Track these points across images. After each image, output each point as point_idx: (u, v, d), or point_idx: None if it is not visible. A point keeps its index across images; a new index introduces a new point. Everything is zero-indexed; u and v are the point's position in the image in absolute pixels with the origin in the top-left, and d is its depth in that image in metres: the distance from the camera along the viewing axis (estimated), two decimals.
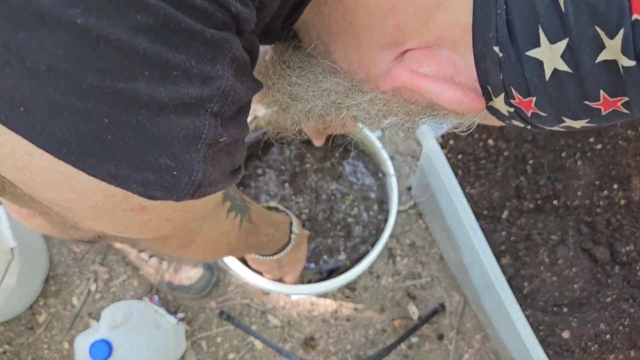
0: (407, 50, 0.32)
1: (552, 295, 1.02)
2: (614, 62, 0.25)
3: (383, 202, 0.82)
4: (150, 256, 1.06)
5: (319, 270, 0.84)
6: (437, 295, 1.16)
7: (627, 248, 1.05)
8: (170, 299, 1.15)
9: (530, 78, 0.28)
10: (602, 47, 0.25)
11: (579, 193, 1.09)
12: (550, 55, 0.26)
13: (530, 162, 1.09)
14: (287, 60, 0.39)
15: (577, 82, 0.27)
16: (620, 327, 1.00)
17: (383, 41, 0.32)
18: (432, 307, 1.14)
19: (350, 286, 1.16)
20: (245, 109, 0.31)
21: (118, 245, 1.03)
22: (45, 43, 0.21)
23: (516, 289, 1.02)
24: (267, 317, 1.14)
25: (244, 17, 0.26)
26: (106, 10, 0.21)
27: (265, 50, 0.41)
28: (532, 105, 0.30)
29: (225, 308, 1.14)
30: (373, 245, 0.81)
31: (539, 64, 0.27)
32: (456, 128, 0.36)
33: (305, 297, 1.13)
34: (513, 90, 0.29)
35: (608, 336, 0.99)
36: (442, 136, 1.10)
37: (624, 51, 0.24)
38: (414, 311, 1.14)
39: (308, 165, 0.84)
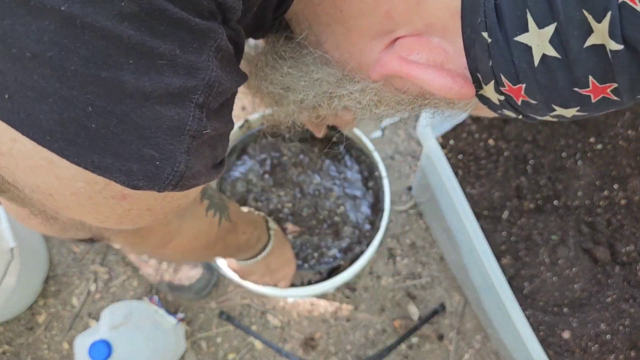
0: (397, 39, 0.32)
1: (553, 295, 1.02)
2: (602, 47, 0.25)
3: (378, 203, 0.82)
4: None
5: (317, 270, 0.84)
6: (437, 295, 1.16)
7: (628, 248, 1.05)
8: (170, 299, 1.15)
9: (519, 64, 0.28)
10: (590, 31, 0.24)
11: (580, 193, 1.09)
12: (538, 40, 0.26)
13: (531, 162, 1.09)
14: (279, 51, 0.39)
15: (566, 68, 0.26)
16: (621, 328, 1.00)
17: (373, 29, 0.32)
18: (433, 308, 1.14)
19: (351, 286, 1.16)
20: (230, 101, 0.31)
21: (117, 245, 1.03)
22: (30, 30, 0.21)
23: (516, 289, 1.02)
24: (267, 317, 1.14)
25: (230, 5, 0.26)
26: None
27: (256, 44, 0.41)
28: (522, 92, 0.29)
29: (225, 308, 1.14)
30: (367, 246, 0.81)
31: (528, 49, 0.27)
32: (448, 116, 0.36)
33: (304, 298, 1.13)
34: (502, 77, 0.29)
35: (608, 336, 0.99)
36: (443, 136, 1.10)
37: (612, 35, 0.24)
38: (414, 311, 1.14)
39: (294, 160, 0.84)
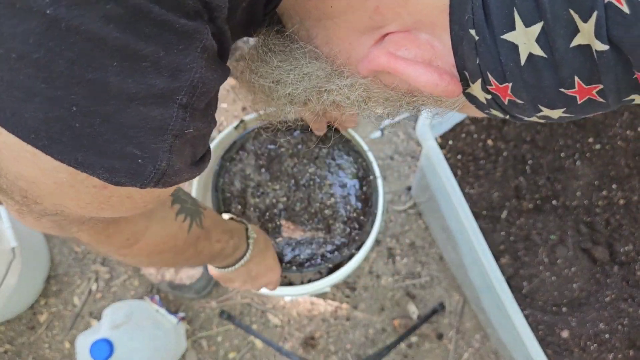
0: (387, 34, 0.32)
1: (552, 294, 1.02)
2: (587, 47, 0.25)
3: (371, 201, 0.82)
4: None
5: (318, 270, 0.84)
6: (436, 294, 1.16)
7: (626, 248, 1.05)
8: (170, 298, 1.15)
9: (506, 63, 0.28)
10: (576, 30, 0.24)
11: (578, 193, 1.09)
12: (525, 39, 0.26)
13: (530, 162, 1.09)
14: (270, 44, 0.39)
15: (552, 68, 0.26)
16: (619, 327, 1.00)
17: (363, 24, 0.32)
18: (432, 307, 1.15)
19: (350, 286, 1.16)
20: (213, 100, 0.32)
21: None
22: (16, 32, 0.22)
23: (515, 289, 1.02)
24: (268, 316, 1.14)
25: (215, 4, 0.26)
26: (76, 0, 0.22)
27: (249, 39, 0.42)
28: (509, 91, 0.29)
29: (226, 307, 1.15)
30: (359, 248, 0.81)
31: (514, 48, 0.27)
32: (436, 114, 0.36)
33: (304, 297, 1.13)
34: (489, 76, 0.29)
35: (607, 335, 0.99)
36: (442, 136, 1.10)
37: (597, 35, 0.24)
38: (414, 310, 1.14)
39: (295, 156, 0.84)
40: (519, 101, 0.30)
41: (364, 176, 0.84)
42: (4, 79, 0.23)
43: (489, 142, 1.10)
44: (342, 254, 0.80)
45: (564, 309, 1.03)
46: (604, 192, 1.10)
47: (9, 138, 0.25)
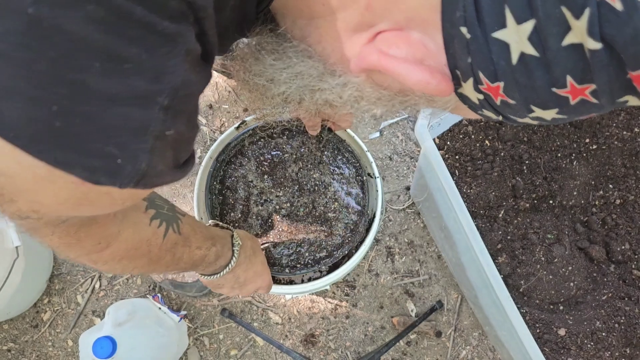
0: (379, 33, 0.32)
1: (549, 293, 1.02)
2: (580, 46, 0.24)
3: (369, 200, 0.83)
4: None
5: (318, 269, 0.85)
6: (435, 293, 1.17)
7: (623, 247, 1.06)
8: (173, 297, 1.16)
9: (498, 62, 0.27)
10: (568, 28, 0.24)
11: (575, 193, 1.09)
12: (517, 37, 0.26)
13: (527, 162, 1.09)
14: (263, 43, 0.39)
15: (544, 67, 0.26)
16: (616, 325, 1.00)
17: (355, 22, 0.32)
18: (430, 305, 1.16)
19: (350, 284, 1.17)
20: (195, 104, 0.32)
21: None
22: None
23: (513, 287, 1.03)
24: (268, 314, 1.15)
25: (200, 3, 0.26)
26: (59, 1, 0.22)
27: (241, 40, 0.42)
28: (500, 91, 0.29)
29: (227, 306, 1.16)
30: (357, 248, 0.81)
31: (506, 46, 0.26)
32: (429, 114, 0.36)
33: (304, 295, 1.14)
34: (481, 75, 0.29)
35: (604, 334, 0.99)
36: (440, 137, 1.11)
37: (590, 33, 0.23)
38: (412, 308, 1.15)
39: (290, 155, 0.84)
40: (511, 101, 0.29)
41: (364, 176, 0.85)
42: None
43: (487, 142, 1.10)
44: (342, 253, 0.81)
45: (561, 307, 1.03)
46: (601, 192, 1.10)
47: None
